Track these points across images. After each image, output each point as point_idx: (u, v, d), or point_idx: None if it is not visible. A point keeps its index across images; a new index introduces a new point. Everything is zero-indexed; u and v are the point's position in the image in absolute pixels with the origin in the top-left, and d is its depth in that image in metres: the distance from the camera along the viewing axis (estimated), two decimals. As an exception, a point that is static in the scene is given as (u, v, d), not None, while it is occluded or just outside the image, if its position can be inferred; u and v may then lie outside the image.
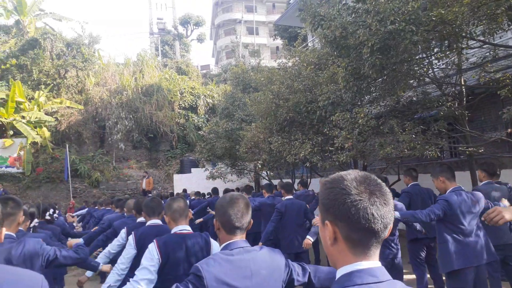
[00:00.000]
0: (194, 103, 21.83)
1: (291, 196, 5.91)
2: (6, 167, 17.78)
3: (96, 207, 11.37)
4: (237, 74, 15.62)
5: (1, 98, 18.06)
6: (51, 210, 5.42)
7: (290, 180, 12.49)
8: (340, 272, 1.05)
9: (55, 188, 17.86)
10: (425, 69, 6.60)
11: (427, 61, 6.44)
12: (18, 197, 10.86)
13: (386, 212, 1.02)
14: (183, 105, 21.55)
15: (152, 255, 2.59)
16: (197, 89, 22.45)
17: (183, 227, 2.82)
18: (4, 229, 1.62)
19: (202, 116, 21.52)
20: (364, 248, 1.03)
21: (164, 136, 20.77)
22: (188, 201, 10.63)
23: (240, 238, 1.94)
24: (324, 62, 8.06)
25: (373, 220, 1.00)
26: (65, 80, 21.33)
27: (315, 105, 7.51)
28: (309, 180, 11.29)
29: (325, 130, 7.26)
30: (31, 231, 3.74)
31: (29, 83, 20.32)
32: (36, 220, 3.98)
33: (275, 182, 12.04)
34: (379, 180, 1.06)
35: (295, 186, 10.43)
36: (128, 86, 20.99)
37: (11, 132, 18.07)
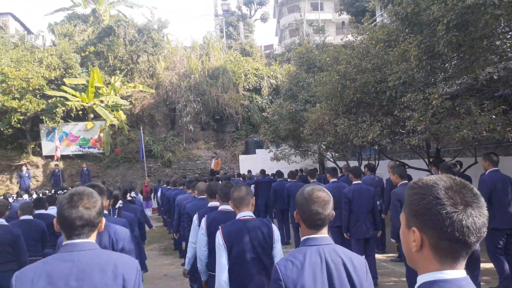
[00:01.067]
0: (258, 85, 21.97)
1: (359, 181, 5.80)
2: (89, 147, 19.43)
3: (168, 186, 12.05)
4: (301, 53, 15.38)
5: (82, 84, 19.57)
6: (133, 193, 5.87)
7: (356, 162, 12.22)
8: (421, 279, 1.03)
9: (132, 168, 19.19)
10: (508, 43, 6.00)
11: (511, 34, 5.85)
12: (100, 175, 11.89)
13: (481, 225, 0.97)
14: (247, 87, 21.79)
15: (218, 241, 2.75)
16: (261, 70, 22.52)
17: (246, 213, 2.94)
18: (103, 219, 1.80)
19: (266, 97, 21.62)
20: (453, 258, 1.00)
21: (230, 118, 21.24)
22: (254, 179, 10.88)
23: (321, 232, 1.93)
24: (394, 38, 7.63)
25: (467, 233, 0.96)
26: (137, 65, 22.52)
27: (385, 85, 7.19)
28: (377, 162, 10.96)
29: (396, 111, 6.94)
30: (116, 212, 4.09)
31: (105, 69, 21.77)
32: (120, 201, 4.33)
33: (341, 164, 11.85)
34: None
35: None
36: (196, 69, 21.64)
37: (92, 116, 19.60)
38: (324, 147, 11.95)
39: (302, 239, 1.97)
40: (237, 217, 2.93)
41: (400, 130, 6.91)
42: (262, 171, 11.26)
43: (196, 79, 21.31)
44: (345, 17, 21.93)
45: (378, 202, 6.32)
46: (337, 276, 1.83)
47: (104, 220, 1.81)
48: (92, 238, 1.72)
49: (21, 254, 4.16)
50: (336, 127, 8.42)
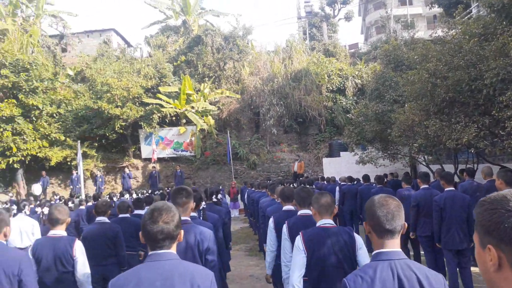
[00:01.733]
0: (341, 85, 21.52)
1: (452, 188, 5.39)
2: (182, 151, 20.79)
3: (252, 188, 12.37)
4: (388, 51, 14.71)
5: (175, 92, 21.03)
6: (219, 195, 6.16)
7: (452, 166, 11.32)
8: None
9: (220, 170, 20.09)
10: None
11: None
12: (192, 177, 12.54)
13: None
14: (331, 88, 21.46)
15: (298, 248, 2.76)
16: (345, 70, 22.03)
17: (327, 221, 2.91)
18: (182, 231, 1.98)
19: (350, 98, 21.07)
20: None
21: (313, 120, 21.11)
22: (337, 187, 10.66)
23: (393, 246, 1.85)
24: (491, 31, 6.95)
25: None
26: (224, 72, 23.54)
27: (481, 83, 6.59)
28: (475, 166, 10.04)
29: (494, 111, 6.32)
30: (201, 213, 4.35)
31: (195, 76, 23.12)
32: (203, 203, 4.60)
33: (434, 168, 11.07)
34: None
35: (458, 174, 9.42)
36: (278, 73, 21.93)
37: (184, 121, 20.94)
38: (416, 150, 11.29)
39: (373, 253, 1.91)
40: (318, 224, 2.92)
41: (500, 132, 6.27)
42: (350, 178, 10.86)
43: (279, 83, 21.58)
44: (437, 10, 20.40)
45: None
46: None
47: (182, 232, 1.97)
48: (173, 249, 1.90)
49: (120, 249, 4.62)
50: (427, 129, 7.93)
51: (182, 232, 1.96)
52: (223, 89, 22.58)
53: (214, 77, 23.17)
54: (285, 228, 3.52)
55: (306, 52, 24.04)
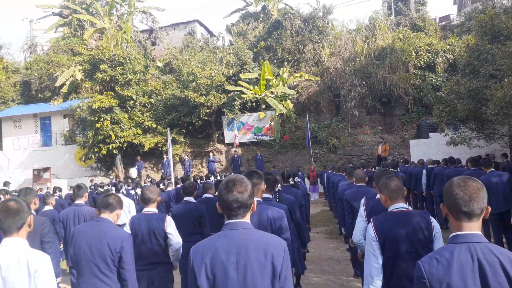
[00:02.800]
0: (431, 61, 19.98)
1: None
2: (262, 135, 21.21)
3: (329, 171, 12.21)
4: (484, 21, 13.25)
5: (255, 78, 21.39)
6: (296, 178, 6.22)
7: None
8: None
9: (299, 153, 20.13)
10: None
11: None
12: (272, 160, 12.79)
13: None
14: (419, 65, 20.05)
15: (369, 233, 2.69)
16: (435, 45, 20.37)
17: (400, 205, 2.79)
18: (255, 201, 2.06)
19: (441, 74, 19.48)
20: None
21: (399, 100, 19.99)
22: (424, 170, 10.04)
23: (471, 228, 1.74)
24: None
25: None
26: (303, 55, 23.30)
27: None
28: None
29: None
30: (276, 195, 4.45)
31: (274, 61, 23.24)
32: (279, 185, 4.68)
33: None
34: None
35: None
36: (361, 52, 21.07)
37: (264, 106, 21.27)
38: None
39: (450, 236, 1.81)
40: (390, 209, 2.80)
41: None
42: (447, 160, 9.92)
43: (361, 62, 20.75)
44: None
45: None
46: (492, 278, 1.62)
47: (255, 201, 2.06)
48: (247, 218, 1.98)
49: (204, 226, 4.94)
50: (528, 105, 7.08)
51: (255, 201, 2.04)
52: (302, 72, 22.39)
53: (293, 60, 23.06)
54: (362, 210, 3.48)
55: (391, 28, 22.68)
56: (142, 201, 4.03)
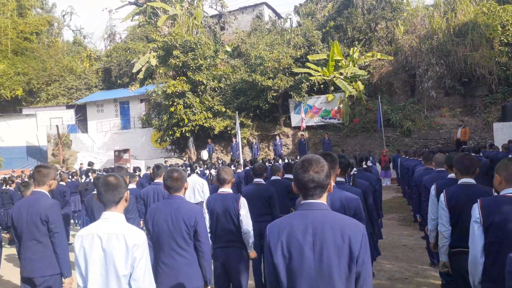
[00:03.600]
0: (521, 36, 17.99)
1: None
2: (329, 118, 20.78)
3: (404, 156, 11.63)
4: None
5: (323, 59, 20.88)
6: (369, 162, 6.04)
7: None
8: None
9: (370, 137, 19.44)
10: None
11: None
12: (340, 144, 12.48)
13: None
14: (505, 41, 18.15)
15: (474, 215, 2.60)
16: (526, 17, 18.27)
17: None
18: (332, 181, 2.01)
19: (533, 50, 17.50)
20: None
21: (481, 80, 18.34)
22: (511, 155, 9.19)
23: None
24: None
25: None
26: (375, 33, 22.25)
27: None
28: None
29: None
30: (351, 179, 4.35)
31: (344, 41, 22.47)
32: (354, 169, 4.57)
33: None
34: None
35: None
36: (439, 28, 19.59)
37: (332, 88, 20.76)
38: None
39: None
40: (503, 192, 2.65)
41: None
42: None
43: (439, 40, 19.31)
44: None
45: None
46: None
47: (332, 182, 2.01)
48: (323, 199, 1.94)
49: (274, 208, 4.99)
50: None
51: (332, 182, 2.00)
52: (374, 51, 21.41)
53: (364, 40, 22.11)
54: (442, 197, 3.29)
55: (474, 1, 20.74)
56: (218, 181, 4.15)
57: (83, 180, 8.93)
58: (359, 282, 1.78)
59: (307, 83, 19.95)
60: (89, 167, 13.06)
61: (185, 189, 3.33)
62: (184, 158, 21.53)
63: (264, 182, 5.20)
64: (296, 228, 1.84)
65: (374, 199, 5.02)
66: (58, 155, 24.31)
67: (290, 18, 29.50)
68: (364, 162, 6.06)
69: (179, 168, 3.20)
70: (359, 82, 20.22)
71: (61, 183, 8.27)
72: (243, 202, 3.94)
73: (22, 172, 17.72)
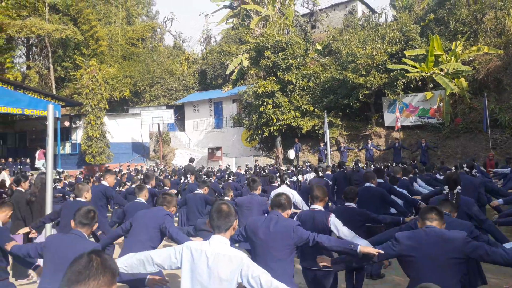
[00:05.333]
0: None
1: None
2: (428, 118, 19.36)
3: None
4: None
5: (422, 54, 19.50)
6: (474, 171, 5.54)
7: None
8: None
9: (473, 139, 17.69)
10: None
11: None
12: (439, 146, 11.67)
13: None
14: None
15: None
16: None
17: None
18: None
19: None
20: None
21: None
22: None
23: None
24: None
25: None
26: (482, 25, 20.16)
27: None
28: None
29: None
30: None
31: (446, 35, 20.73)
32: (459, 187, 4.16)
33: None
34: None
35: None
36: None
37: (431, 85, 19.30)
38: None
39: None
40: None
41: None
42: None
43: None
44: None
45: None
46: None
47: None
48: None
49: (396, 205, 5.14)
50: None
51: None
52: (480, 45, 19.38)
53: (468, 32, 20.14)
54: None
55: None
56: (311, 198, 4.10)
57: (182, 181, 9.59)
58: None
59: (403, 80, 18.83)
60: (190, 163, 14.01)
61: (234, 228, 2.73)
62: (272, 157, 21.88)
63: (355, 206, 4.95)
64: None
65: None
66: (158, 151, 26.41)
67: (385, 13, 28.12)
68: (469, 171, 5.53)
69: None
70: (462, 79, 18.49)
71: (164, 188, 9.03)
72: (333, 219, 3.82)
73: (128, 166, 19.63)
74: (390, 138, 19.95)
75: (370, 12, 31.85)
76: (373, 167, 12.53)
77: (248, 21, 31.45)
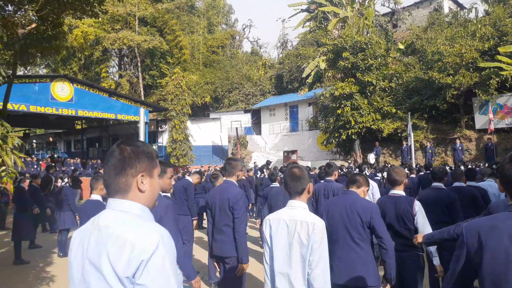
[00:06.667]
0: None
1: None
2: (528, 120, 17.45)
3: None
4: None
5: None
6: None
7: None
8: None
9: None
10: None
11: None
12: None
13: None
14: None
15: None
16: None
17: None
18: None
19: None
20: None
21: None
22: None
23: None
24: None
25: None
26: None
27: None
28: None
29: None
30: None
31: (550, 27, 18.55)
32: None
33: None
34: None
35: None
36: None
37: (532, 84, 17.37)
38: None
39: None
40: None
41: None
42: None
43: None
44: None
45: None
46: None
47: None
48: None
49: (456, 215, 4.49)
50: None
51: None
52: None
53: None
54: None
55: None
56: (388, 182, 3.99)
57: (258, 176, 9.79)
58: None
59: (497, 79, 17.20)
60: (265, 164, 14.26)
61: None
62: (350, 161, 21.30)
63: (444, 187, 4.73)
64: (502, 232, 1.62)
65: None
66: (236, 154, 27.20)
67: (476, 8, 25.99)
68: None
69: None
70: None
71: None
72: (418, 206, 3.67)
73: (208, 167, 20.47)
74: (481, 142, 18.33)
75: (458, 8, 29.71)
76: (463, 168, 11.62)
77: (325, 24, 31.17)
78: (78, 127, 32.21)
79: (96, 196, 4.54)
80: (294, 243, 2.42)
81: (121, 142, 1.49)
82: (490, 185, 6.06)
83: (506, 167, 1.71)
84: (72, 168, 20.23)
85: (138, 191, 1.44)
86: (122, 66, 39.03)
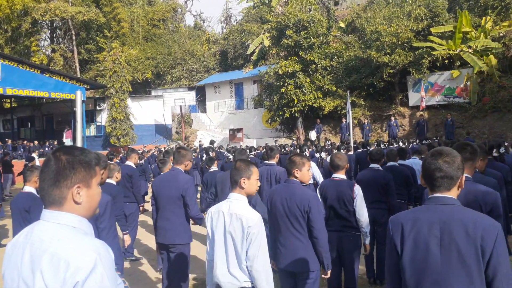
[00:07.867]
0: None
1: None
2: (454, 97, 18.87)
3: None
4: None
5: (449, 31, 18.83)
6: (502, 149, 5.38)
7: None
8: None
9: (501, 118, 17.17)
10: None
11: None
12: (465, 126, 11.32)
13: None
14: None
15: None
16: None
17: None
18: (463, 176, 1.87)
19: None
20: None
21: None
22: None
23: None
24: None
25: None
26: (513, -1, 19.25)
27: None
28: None
29: None
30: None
31: (475, 10, 19.94)
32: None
33: None
34: None
35: None
36: None
37: (458, 63, 18.70)
38: None
39: None
40: None
41: None
42: None
43: None
44: None
45: None
46: None
47: (464, 177, 1.86)
48: (453, 193, 1.82)
49: (390, 196, 4.80)
50: None
51: (463, 177, 1.86)
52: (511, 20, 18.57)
53: (499, 7, 19.27)
54: None
55: None
56: (331, 167, 4.15)
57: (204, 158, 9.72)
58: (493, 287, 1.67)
59: (429, 58, 18.30)
60: (210, 145, 14.17)
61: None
62: (293, 138, 21.83)
63: (381, 168, 5.03)
64: (421, 221, 1.79)
65: (508, 193, 4.48)
66: (180, 133, 26.75)
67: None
68: (495, 150, 5.41)
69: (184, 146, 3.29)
70: (491, 56, 17.81)
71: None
72: (357, 190, 3.88)
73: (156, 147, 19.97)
74: (414, 118, 19.57)
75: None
76: (395, 146, 12.38)
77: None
78: (7, 105, 29.78)
79: (29, 188, 4.28)
80: (228, 236, 2.54)
81: (57, 150, 1.42)
82: (415, 163, 6.60)
83: (427, 160, 1.85)
84: (1, 152, 18.78)
85: (74, 203, 1.39)
86: (55, 39, 36.27)
